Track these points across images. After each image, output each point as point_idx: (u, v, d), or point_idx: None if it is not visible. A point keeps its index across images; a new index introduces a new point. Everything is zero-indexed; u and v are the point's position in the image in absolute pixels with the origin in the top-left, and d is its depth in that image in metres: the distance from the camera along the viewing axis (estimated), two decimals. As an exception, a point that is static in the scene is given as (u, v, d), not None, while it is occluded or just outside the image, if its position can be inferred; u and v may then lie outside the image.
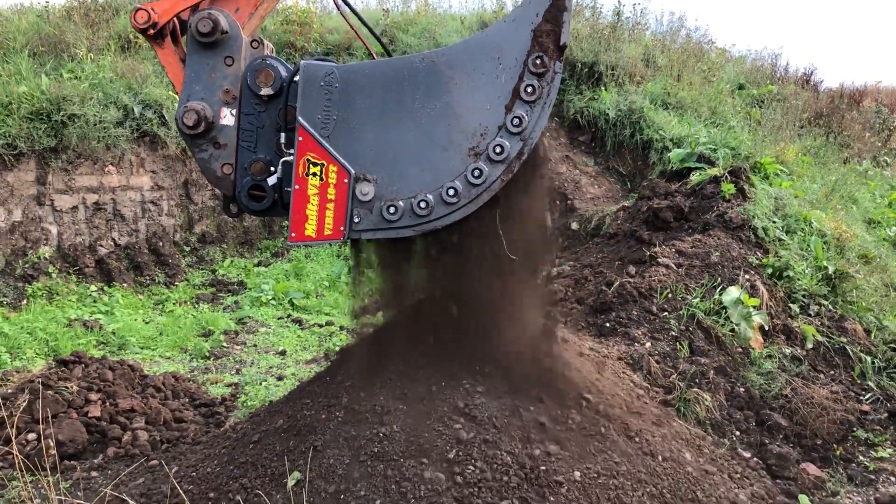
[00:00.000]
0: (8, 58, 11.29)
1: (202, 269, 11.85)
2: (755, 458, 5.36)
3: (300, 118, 4.00)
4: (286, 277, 11.59)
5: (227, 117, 4.41)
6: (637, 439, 4.41)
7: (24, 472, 5.31)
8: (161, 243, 11.62)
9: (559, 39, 3.95)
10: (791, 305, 7.57)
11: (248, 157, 4.31)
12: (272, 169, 4.26)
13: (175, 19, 4.53)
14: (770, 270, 7.78)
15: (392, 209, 3.98)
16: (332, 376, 4.57)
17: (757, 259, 7.88)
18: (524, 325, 4.48)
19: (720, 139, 11.51)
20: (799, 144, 13.29)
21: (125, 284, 10.55)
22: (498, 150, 3.94)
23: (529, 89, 3.94)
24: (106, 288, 10.34)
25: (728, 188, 8.94)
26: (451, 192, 3.95)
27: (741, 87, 16.36)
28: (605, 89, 13.81)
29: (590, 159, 13.31)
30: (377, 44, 4.98)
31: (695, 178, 9.58)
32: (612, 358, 5.58)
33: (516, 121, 3.94)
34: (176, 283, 11.09)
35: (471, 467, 3.81)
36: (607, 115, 13.26)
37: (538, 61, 3.93)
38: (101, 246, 10.91)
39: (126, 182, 11.37)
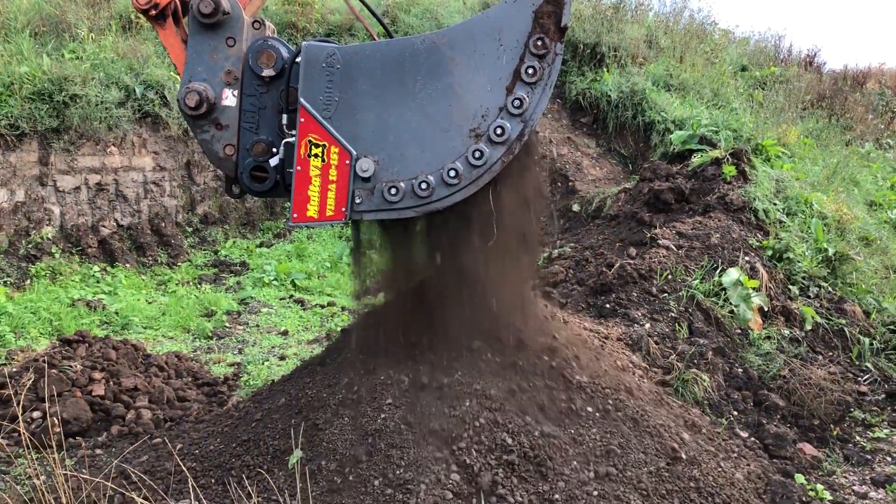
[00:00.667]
0: (9, 38, 11.27)
1: (204, 250, 11.89)
2: (752, 438, 5.42)
3: (302, 99, 4.02)
4: (288, 258, 11.62)
5: (229, 98, 4.42)
6: (636, 419, 4.46)
7: (30, 449, 5.38)
8: (163, 224, 11.65)
9: (560, 21, 3.96)
10: (791, 287, 7.60)
11: (249, 138, 4.34)
12: (274, 150, 4.28)
13: (177, 1, 4.53)
14: (770, 252, 7.81)
15: (393, 190, 4.00)
16: (334, 356, 4.61)
17: (757, 241, 7.91)
18: (523, 303, 4.52)
19: (722, 121, 11.49)
20: (801, 126, 13.27)
21: (128, 265, 10.59)
22: (499, 131, 3.96)
23: (530, 71, 3.95)
24: (109, 268, 10.39)
25: (729, 170, 8.95)
26: (452, 173, 3.97)
27: (744, 69, 16.30)
28: (608, 71, 13.77)
29: (591, 141, 13.29)
30: (378, 26, 4.97)
31: (696, 160, 9.57)
32: (611, 339, 5.63)
33: (517, 102, 3.96)
34: (178, 264, 11.14)
35: (474, 446, 3.86)
36: (609, 96, 13.23)
37: (539, 43, 3.94)
38: (103, 226, 10.94)
39: (128, 163, 11.38)
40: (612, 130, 13.22)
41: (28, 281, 9.54)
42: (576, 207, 11.15)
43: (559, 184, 11.97)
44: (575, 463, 4.01)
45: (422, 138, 4.00)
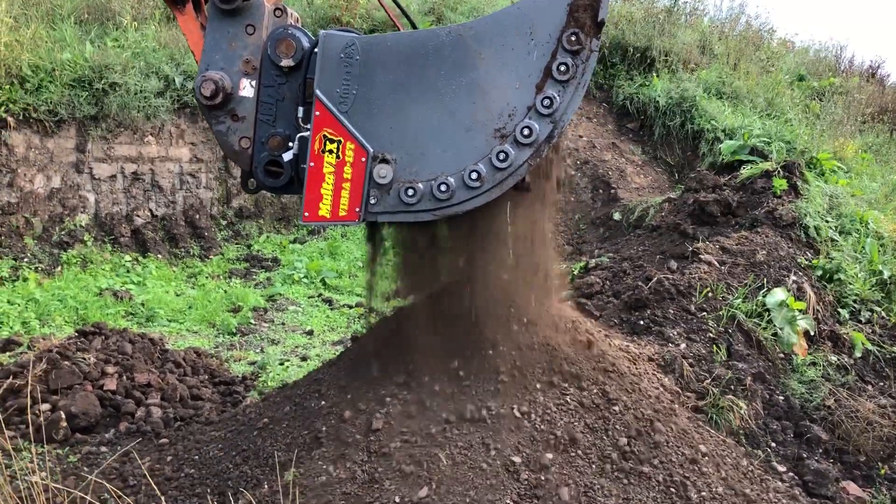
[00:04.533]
0: (54, 25, 11.31)
1: (238, 244, 11.79)
2: (790, 473, 5.03)
3: (317, 91, 3.79)
4: (320, 256, 11.45)
5: (247, 89, 4.21)
6: (665, 449, 4.13)
7: (35, 442, 5.26)
8: (198, 216, 11.58)
9: (597, 15, 3.66)
10: (840, 310, 7.15)
11: (266, 131, 4.12)
12: (290, 144, 4.06)
13: (198, -15, 4.35)
14: (820, 272, 7.37)
15: (411, 191, 3.75)
16: (343, 365, 4.37)
17: (807, 260, 7.47)
18: (545, 317, 4.23)
19: (775, 132, 11.00)
20: (860, 140, 12.68)
21: (160, 256, 10.53)
22: (526, 132, 3.68)
23: (563, 68, 3.67)
24: (140, 258, 10.33)
25: (780, 184, 8.50)
26: (474, 175, 3.71)
27: (801, 79, 15.68)
28: (657, 76, 13.33)
29: (637, 147, 12.87)
30: (408, 20, 4.72)
31: (745, 171, 9.13)
32: (642, 358, 5.28)
33: (547, 101, 3.68)
34: (210, 257, 11.04)
35: (477, 478, 3.57)
36: (657, 102, 12.79)
37: (573, 38, 3.65)
38: (137, 216, 10.90)
39: (165, 153, 11.33)
40: (659, 137, 12.77)
41: (59, 268, 9.52)
42: (617, 216, 10.76)
43: (601, 191, 11.59)
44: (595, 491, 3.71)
45: (443, 137, 3.73)
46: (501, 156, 3.68)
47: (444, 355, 4.03)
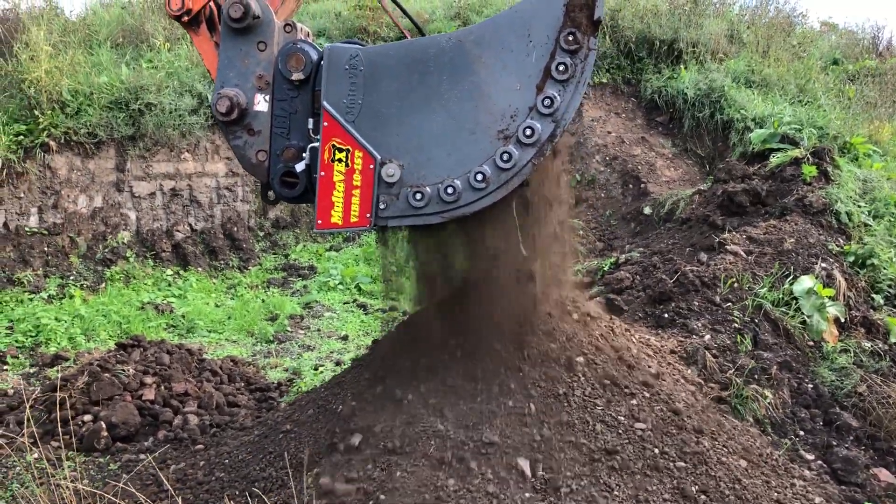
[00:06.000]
0: (91, 50, 11.70)
1: (275, 254, 12.04)
2: (819, 461, 5.00)
3: (325, 103, 3.91)
4: (355, 262, 11.63)
5: (261, 103, 4.35)
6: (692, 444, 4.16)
7: (78, 452, 5.50)
8: (236, 228, 11.86)
9: (593, 14, 3.72)
10: (874, 296, 7.05)
11: (280, 144, 4.26)
12: (304, 155, 4.20)
13: (212, 5, 4.51)
14: (852, 258, 7.27)
15: (419, 195, 3.85)
16: (364, 368, 4.49)
17: (838, 246, 7.37)
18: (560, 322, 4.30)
19: (807, 118, 10.83)
20: (897, 123, 12.41)
21: (200, 269, 10.82)
22: (528, 132, 3.74)
23: (561, 67, 3.73)
24: (181, 272, 10.63)
25: (809, 170, 8.40)
26: (480, 177, 3.78)
27: (836, 63, 15.40)
28: (685, 67, 13.24)
29: (667, 141, 12.79)
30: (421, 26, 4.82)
31: (774, 159, 9.04)
32: (664, 351, 5.30)
33: (548, 101, 3.74)
34: (249, 268, 11.31)
35: (490, 477, 3.65)
36: (686, 94, 12.70)
37: (570, 37, 3.71)
38: (177, 231, 11.21)
39: (202, 169, 11.64)
40: (689, 130, 12.68)
41: (103, 284, 9.85)
42: (647, 210, 10.73)
43: (631, 185, 11.56)
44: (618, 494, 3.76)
45: (448, 141, 3.82)
46: (505, 156, 3.75)
47: (460, 360, 4.12)
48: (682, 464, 3.97)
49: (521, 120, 3.76)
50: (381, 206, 3.91)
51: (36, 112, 9.91)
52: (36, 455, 5.33)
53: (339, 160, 3.93)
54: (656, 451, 3.97)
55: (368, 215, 3.91)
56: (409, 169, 3.86)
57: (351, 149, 3.90)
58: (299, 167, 4.17)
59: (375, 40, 13.80)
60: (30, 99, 9.96)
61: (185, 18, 4.42)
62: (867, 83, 13.82)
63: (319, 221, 3.97)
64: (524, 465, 3.74)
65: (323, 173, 3.93)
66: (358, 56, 3.90)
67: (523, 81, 3.76)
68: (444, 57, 3.80)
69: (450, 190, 3.81)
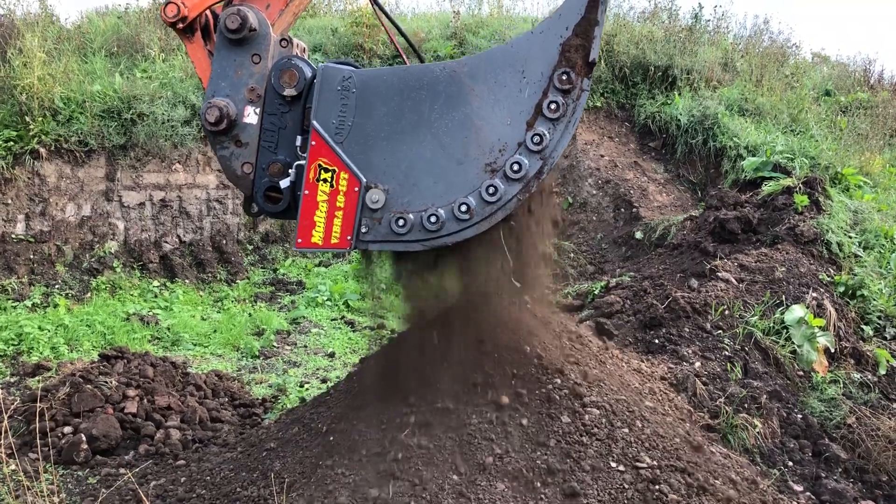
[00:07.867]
0: (86, 58, 11.67)
1: (263, 268, 11.96)
2: (808, 493, 4.96)
3: (314, 122, 3.88)
4: (344, 279, 11.56)
5: (251, 116, 4.32)
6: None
7: (56, 464, 5.39)
8: (225, 241, 11.78)
9: (588, 55, 3.72)
10: (864, 327, 7.05)
11: (267, 158, 4.22)
12: (290, 171, 4.16)
13: (209, 14, 4.49)
14: (842, 288, 7.27)
15: (401, 222, 3.81)
16: (346, 389, 4.43)
17: (828, 276, 7.38)
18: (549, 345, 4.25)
19: (799, 148, 10.89)
20: (888, 155, 12.49)
21: (187, 281, 10.73)
22: (515, 167, 3.73)
23: (553, 106, 3.72)
24: (168, 284, 10.53)
25: (801, 200, 8.42)
26: (464, 207, 3.75)
27: (828, 94, 15.52)
28: (679, 94, 13.31)
29: (659, 166, 12.83)
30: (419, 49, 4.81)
31: (766, 188, 9.07)
32: (655, 378, 5.26)
33: (537, 138, 3.73)
34: (237, 281, 11.22)
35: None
36: (679, 120, 12.76)
37: (564, 77, 3.71)
38: (165, 242, 11.13)
39: (192, 180, 11.57)
40: (681, 156, 12.72)
41: (88, 294, 9.75)
42: (639, 235, 10.73)
43: (623, 210, 11.56)
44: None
45: (435, 169, 3.79)
46: (491, 190, 3.73)
47: (445, 380, 4.07)
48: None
49: (510, 155, 3.74)
50: (363, 230, 3.86)
51: (27, 118, 9.85)
52: (13, 467, 5.22)
53: (325, 180, 3.89)
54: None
55: (349, 237, 3.87)
56: (394, 194, 3.83)
57: (337, 170, 3.87)
58: (284, 183, 4.13)
59: (371, 57, 13.82)
60: (21, 105, 9.91)
61: (181, 25, 4.39)
62: (859, 115, 13.92)
63: (300, 240, 3.93)
64: None
65: (307, 192, 3.89)
66: (351, 78, 3.88)
67: (514, 117, 3.76)
68: (437, 86, 3.78)
69: (433, 219, 3.77)
